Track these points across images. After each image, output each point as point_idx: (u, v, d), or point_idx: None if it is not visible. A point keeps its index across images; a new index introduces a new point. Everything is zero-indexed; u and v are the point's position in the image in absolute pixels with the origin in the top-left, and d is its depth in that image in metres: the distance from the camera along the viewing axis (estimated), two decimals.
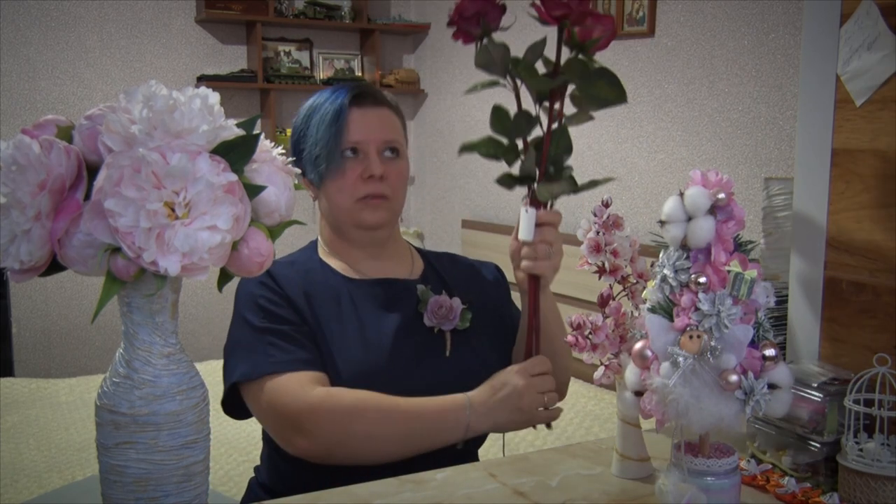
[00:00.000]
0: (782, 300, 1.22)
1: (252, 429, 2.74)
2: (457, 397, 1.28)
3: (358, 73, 4.72)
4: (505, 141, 1.16)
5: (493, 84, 1.14)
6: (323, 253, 1.46)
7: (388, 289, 1.41)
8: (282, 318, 1.33)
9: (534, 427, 1.31)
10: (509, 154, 1.17)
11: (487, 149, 1.16)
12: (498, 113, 1.15)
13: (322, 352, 1.32)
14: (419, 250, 1.54)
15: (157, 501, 0.84)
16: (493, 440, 1.46)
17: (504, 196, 4.07)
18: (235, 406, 1.37)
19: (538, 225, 1.22)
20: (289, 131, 4.54)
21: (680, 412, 0.81)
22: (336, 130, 1.37)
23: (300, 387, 1.26)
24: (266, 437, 1.42)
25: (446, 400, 1.27)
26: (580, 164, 3.76)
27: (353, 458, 1.26)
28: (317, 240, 1.49)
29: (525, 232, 1.21)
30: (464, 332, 1.39)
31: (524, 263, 1.27)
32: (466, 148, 1.16)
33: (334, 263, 1.43)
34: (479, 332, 1.41)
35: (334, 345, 1.33)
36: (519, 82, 1.14)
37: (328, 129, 1.38)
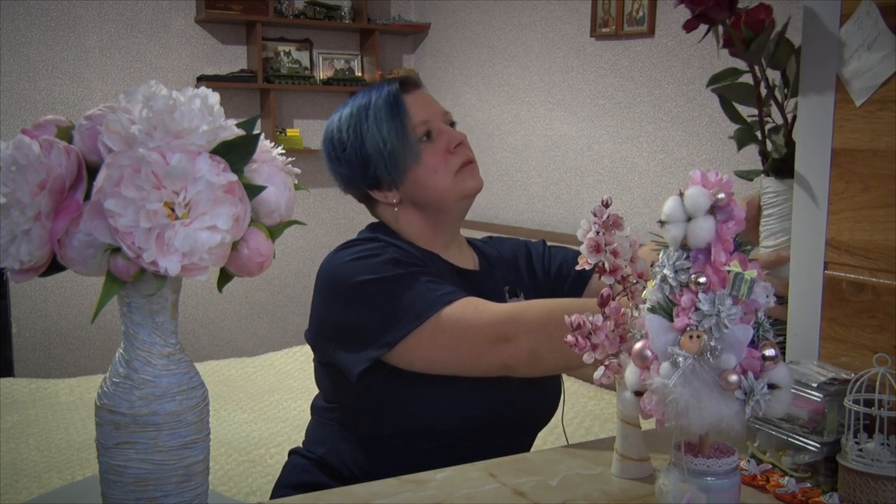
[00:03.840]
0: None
1: (252, 429, 2.73)
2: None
3: (358, 73, 4.72)
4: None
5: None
6: (421, 243, 1.41)
7: (477, 278, 1.43)
8: (422, 265, 1.32)
9: None
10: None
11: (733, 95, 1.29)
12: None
13: None
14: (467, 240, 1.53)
15: (157, 501, 0.84)
16: (548, 430, 1.45)
17: (504, 195, 4.07)
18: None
19: None
20: (289, 131, 4.56)
21: (680, 412, 0.81)
22: (400, 120, 1.36)
23: (481, 305, 1.25)
24: (337, 419, 1.38)
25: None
26: (580, 165, 3.77)
27: (562, 359, 1.23)
28: (395, 242, 1.39)
29: None
30: None
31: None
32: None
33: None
34: None
35: None
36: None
37: (391, 122, 1.36)
